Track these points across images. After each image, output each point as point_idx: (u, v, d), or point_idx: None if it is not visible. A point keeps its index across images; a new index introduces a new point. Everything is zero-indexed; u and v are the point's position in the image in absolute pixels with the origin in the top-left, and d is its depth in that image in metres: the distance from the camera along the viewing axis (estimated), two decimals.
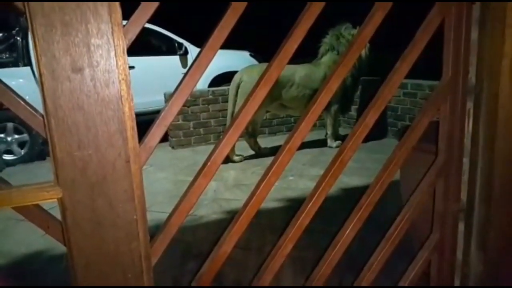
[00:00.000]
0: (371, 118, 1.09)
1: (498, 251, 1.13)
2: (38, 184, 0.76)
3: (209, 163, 0.95)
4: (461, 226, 1.20)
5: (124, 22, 0.74)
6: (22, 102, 0.74)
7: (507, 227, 1.12)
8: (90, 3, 0.66)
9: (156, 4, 0.79)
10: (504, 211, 1.12)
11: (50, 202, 0.75)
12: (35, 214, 0.79)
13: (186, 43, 5.51)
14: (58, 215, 0.79)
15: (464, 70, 1.13)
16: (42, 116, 0.73)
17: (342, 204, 1.78)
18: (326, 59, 4.30)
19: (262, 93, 0.97)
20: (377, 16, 1.02)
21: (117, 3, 0.69)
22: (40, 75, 0.67)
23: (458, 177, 1.18)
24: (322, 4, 0.96)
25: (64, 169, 0.73)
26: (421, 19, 1.12)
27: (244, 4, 0.89)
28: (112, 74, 0.70)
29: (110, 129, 0.72)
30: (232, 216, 1.03)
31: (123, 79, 0.71)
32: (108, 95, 0.70)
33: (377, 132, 4.62)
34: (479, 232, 1.14)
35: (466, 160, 1.16)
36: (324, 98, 1.04)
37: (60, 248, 0.82)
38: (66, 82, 0.68)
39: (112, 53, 0.69)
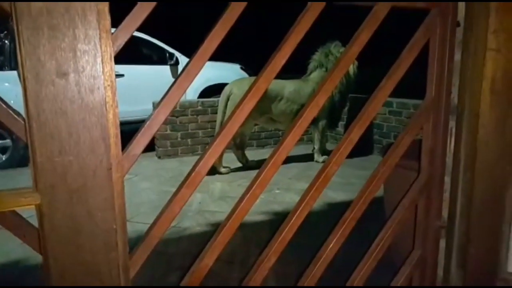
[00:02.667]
0: (355, 134, 1.10)
1: (478, 269, 1.14)
2: (16, 190, 0.74)
3: (193, 174, 0.94)
4: (442, 243, 1.21)
5: (113, 30, 0.74)
6: (3, 105, 0.72)
7: (487, 246, 1.14)
8: (79, 9, 0.66)
9: (146, 12, 0.79)
10: (484, 230, 1.13)
11: (27, 209, 0.73)
12: (11, 220, 0.77)
13: (177, 53, 5.52)
14: (36, 224, 0.77)
15: (447, 90, 1.16)
16: (24, 120, 0.72)
17: (327, 218, 1.78)
18: (314, 76, 4.36)
19: (249, 105, 0.97)
20: (363, 35, 1.05)
21: (107, 10, 0.69)
22: (24, 78, 0.66)
23: (440, 195, 1.20)
24: (311, 21, 0.98)
25: (43, 174, 0.71)
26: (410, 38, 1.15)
27: (235, 17, 0.89)
28: (98, 80, 0.69)
29: (93, 136, 0.71)
30: (216, 228, 1.02)
31: (108, 85, 0.70)
32: (93, 101, 0.70)
33: (363, 149, 4.67)
34: (459, 249, 1.15)
35: (447, 179, 1.18)
36: (310, 113, 1.05)
37: (38, 257, 0.79)
38: (50, 87, 0.67)
39: (99, 59, 0.69)
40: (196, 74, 0.89)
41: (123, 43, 0.75)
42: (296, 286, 1.13)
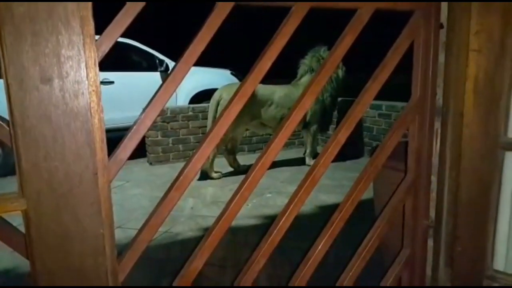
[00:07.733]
0: (342, 135, 1.11)
1: (465, 266, 1.16)
2: (1, 195, 0.74)
3: (181, 177, 0.94)
4: (430, 242, 1.23)
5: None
6: None
7: (473, 243, 1.15)
8: (62, 15, 0.66)
9: (130, 18, 0.79)
10: (470, 228, 1.15)
11: (14, 215, 0.73)
12: None
13: (167, 60, 5.53)
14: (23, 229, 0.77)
15: (432, 91, 1.18)
16: (9, 126, 0.72)
17: (318, 221, 1.79)
18: (305, 80, 4.38)
19: (236, 108, 0.98)
20: (348, 38, 1.06)
21: (90, 16, 0.70)
22: (8, 84, 0.66)
23: (427, 194, 1.21)
24: (296, 24, 0.99)
25: (29, 180, 0.71)
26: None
27: (220, 20, 0.90)
28: (82, 85, 0.69)
29: (78, 141, 0.71)
30: None
31: (93, 90, 0.70)
32: (77, 106, 0.70)
33: (354, 152, 4.70)
34: (447, 248, 1.17)
35: (434, 178, 1.20)
36: (297, 115, 1.06)
37: (28, 265, 0.79)
38: (34, 93, 0.67)
39: (83, 65, 0.69)
40: (183, 77, 0.90)
41: (108, 49, 0.75)
42: (286, 286, 1.13)
